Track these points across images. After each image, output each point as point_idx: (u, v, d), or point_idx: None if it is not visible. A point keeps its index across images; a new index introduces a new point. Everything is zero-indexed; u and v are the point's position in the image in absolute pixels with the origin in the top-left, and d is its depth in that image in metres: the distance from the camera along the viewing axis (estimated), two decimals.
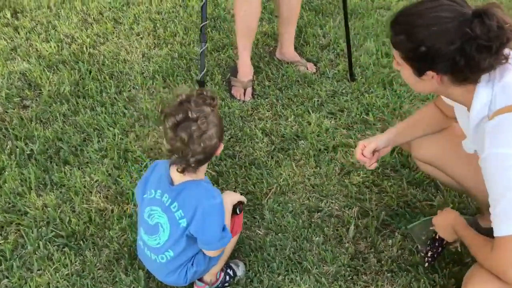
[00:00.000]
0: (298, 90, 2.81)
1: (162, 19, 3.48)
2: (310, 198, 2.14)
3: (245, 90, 2.80)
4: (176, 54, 3.10)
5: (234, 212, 1.71)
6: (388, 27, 1.45)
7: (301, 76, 2.91)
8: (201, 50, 2.44)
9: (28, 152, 2.35)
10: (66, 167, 2.29)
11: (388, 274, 1.82)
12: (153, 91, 2.80)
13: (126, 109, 2.65)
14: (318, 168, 2.30)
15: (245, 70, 2.87)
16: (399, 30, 1.41)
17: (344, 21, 2.78)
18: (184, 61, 3.04)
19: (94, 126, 2.53)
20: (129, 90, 2.80)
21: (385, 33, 3.30)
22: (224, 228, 1.61)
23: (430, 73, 1.38)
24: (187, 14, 3.52)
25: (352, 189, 2.18)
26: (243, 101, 2.75)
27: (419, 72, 1.41)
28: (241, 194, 1.99)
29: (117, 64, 3.00)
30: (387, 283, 1.80)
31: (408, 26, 1.39)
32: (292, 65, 3.01)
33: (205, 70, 2.45)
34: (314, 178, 2.24)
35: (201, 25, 2.44)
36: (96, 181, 2.22)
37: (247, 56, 2.87)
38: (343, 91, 2.81)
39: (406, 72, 1.46)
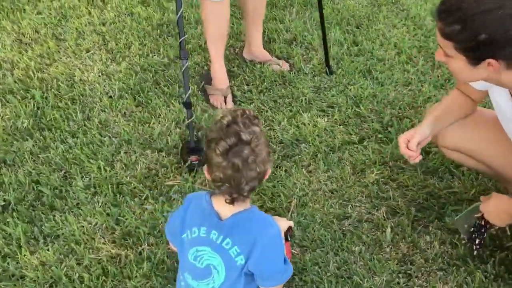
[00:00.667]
0: (281, 90, 2.68)
1: (109, 30, 3.17)
2: (333, 205, 2.03)
3: (225, 97, 2.62)
4: (138, 67, 2.83)
5: (285, 239, 1.55)
6: (435, 18, 1.35)
7: (278, 76, 2.78)
8: (183, 68, 2.22)
9: (2, 204, 2.01)
10: (54, 213, 1.98)
11: (440, 273, 1.77)
12: (125, 112, 2.52)
13: (102, 136, 2.36)
14: (330, 171, 2.20)
15: (221, 77, 2.69)
16: (452, 20, 1.32)
17: (320, 12, 2.68)
18: (150, 74, 2.78)
19: (71, 161, 2.22)
20: (99, 114, 2.50)
21: (345, 21, 3.26)
22: (285, 260, 1.45)
23: (488, 61, 1.32)
24: (136, 22, 3.24)
25: (372, 188, 2.10)
26: (228, 109, 2.56)
27: (477, 61, 1.34)
28: None
29: (76, 87, 2.68)
30: (441, 282, 1.74)
31: (463, 14, 1.30)
32: (265, 64, 2.86)
33: (190, 90, 2.23)
34: (331, 183, 2.14)
35: (179, 40, 2.21)
36: (95, 225, 1.94)
37: (221, 62, 2.69)
38: (326, 85, 2.72)
39: (457, 63, 1.39)
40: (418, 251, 1.84)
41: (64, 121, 2.43)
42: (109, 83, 2.71)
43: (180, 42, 2.22)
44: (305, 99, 2.61)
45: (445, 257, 1.81)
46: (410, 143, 1.68)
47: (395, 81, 2.75)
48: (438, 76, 2.76)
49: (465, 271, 1.76)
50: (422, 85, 2.72)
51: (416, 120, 2.42)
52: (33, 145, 2.30)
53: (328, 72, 2.81)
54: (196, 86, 2.70)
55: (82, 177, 2.14)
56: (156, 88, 2.68)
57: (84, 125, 2.42)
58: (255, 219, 1.41)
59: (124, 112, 2.52)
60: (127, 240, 1.88)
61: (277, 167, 2.22)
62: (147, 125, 2.43)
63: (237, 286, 1.43)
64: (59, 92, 2.63)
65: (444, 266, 1.79)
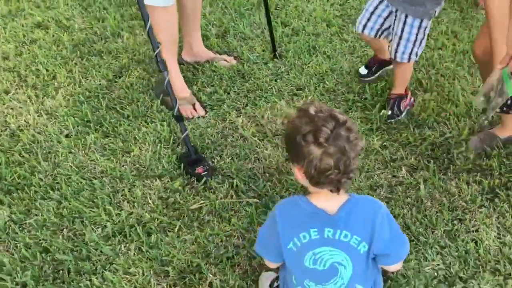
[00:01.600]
0: (244, 84, 2.62)
1: (19, 64, 2.76)
2: (360, 180, 2.08)
3: (193, 105, 2.47)
4: (79, 96, 2.52)
5: None
6: None
7: (233, 71, 2.71)
8: (166, 81, 2.04)
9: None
10: (87, 277, 1.71)
11: (482, 209, 1.93)
12: (95, 148, 2.24)
13: (87, 179, 2.07)
14: None
15: (181, 85, 2.53)
16: None
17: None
18: (96, 100, 2.50)
19: (69, 216, 1.92)
20: (67, 158, 2.18)
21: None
22: None
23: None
24: (44, 48, 2.89)
25: (384, 153, 2.19)
26: (202, 117, 2.43)
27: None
28: None
29: (20, 135, 2.29)
30: (487, 217, 1.90)
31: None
32: (212, 62, 2.77)
33: (177, 104, 2.07)
34: None
35: (155, 53, 2.01)
36: (143, 274, 1.72)
37: (177, 70, 2.52)
38: (283, 70, 2.73)
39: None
40: (455, 196, 1.98)
41: (32, 176, 2.07)
42: (58, 121, 2.37)
43: (155, 55, 2.02)
44: (274, 87, 2.58)
45: (478, 194, 1.98)
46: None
47: (341, 52, 2.86)
48: None
49: (500, 200, 1.95)
50: (365, 49, 2.87)
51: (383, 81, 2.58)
52: (10, 213, 1.92)
53: (278, 56, 2.81)
54: (150, 100, 2.48)
55: (93, 229, 1.86)
56: (113, 113, 2.41)
57: (59, 174, 2.09)
58: (363, 203, 1.39)
59: (95, 148, 2.23)
60: (187, 277, 1.71)
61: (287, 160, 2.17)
62: (130, 154, 2.19)
63: (366, 274, 1.40)
64: (3, 145, 2.22)
65: (482, 202, 1.95)
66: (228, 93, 2.55)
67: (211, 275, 1.70)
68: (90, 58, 2.81)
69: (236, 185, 2.02)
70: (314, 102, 1.37)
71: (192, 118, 2.40)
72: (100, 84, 2.61)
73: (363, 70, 2.55)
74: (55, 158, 2.16)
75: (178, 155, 2.16)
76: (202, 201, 1.96)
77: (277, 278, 1.64)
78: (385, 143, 2.25)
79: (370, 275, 1.40)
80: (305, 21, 3.14)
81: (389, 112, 2.36)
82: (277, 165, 2.13)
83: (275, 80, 2.64)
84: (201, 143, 2.22)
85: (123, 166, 2.12)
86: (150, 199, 1.97)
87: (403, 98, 2.39)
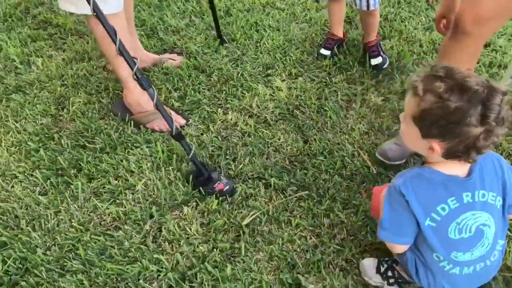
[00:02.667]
0: (210, 79, 2.39)
1: None
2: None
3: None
4: (25, 143, 2.06)
5: None
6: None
7: (188, 68, 2.45)
8: (154, 100, 1.72)
9: None
10: None
11: None
12: (91, 194, 1.85)
13: (99, 235, 1.71)
14: (349, 116, 2.15)
15: (148, 98, 2.20)
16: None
17: None
18: (52, 142, 2.07)
19: (114, 276, 1.56)
20: (61, 223, 1.77)
21: None
22: None
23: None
24: None
25: (390, 106, 2.16)
26: (186, 125, 2.15)
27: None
28: None
29: None
30: None
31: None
32: (159, 65, 2.47)
33: (173, 121, 1.77)
34: (362, 125, 2.10)
35: (134, 71, 1.68)
36: None
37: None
38: (240, 52, 2.55)
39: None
40: None
41: (32, 255, 1.64)
42: (20, 180, 1.91)
43: (134, 73, 1.69)
44: (242, 73, 2.39)
45: None
46: (446, 23, 1.71)
47: (285, 21, 2.76)
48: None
49: None
50: (306, 13, 2.80)
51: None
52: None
53: (226, 41, 2.61)
54: (117, 124, 2.13)
55: (150, 283, 1.54)
56: (84, 151, 2.02)
57: (65, 240, 1.68)
58: (486, 158, 1.33)
59: (87, 197, 1.84)
60: None
61: (306, 142, 2.03)
62: (135, 190, 1.85)
63: (503, 227, 1.37)
64: None
65: None
66: (199, 92, 2.29)
67: (312, 286, 1.51)
68: (10, 97, 2.30)
69: (274, 184, 1.82)
70: (453, 68, 1.18)
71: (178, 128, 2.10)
72: (43, 123, 2.15)
73: (325, 52, 2.46)
74: (46, 224, 1.73)
75: (186, 176, 1.86)
76: (251, 213, 1.73)
77: (380, 263, 1.52)
78: (383, 97, 2.21)
79: (505, 227, 1.36)
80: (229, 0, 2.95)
81: (380, 59, 2.35)
82: (299, 149, 1.97)
83: (239, 66, 2.43)
84: (206, 154, 1.95)
85: (135, 205, 1.78)
86: (191, 230, 1.68)
87: (380, 42, 2.38)
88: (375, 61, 2.34)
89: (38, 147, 2.02)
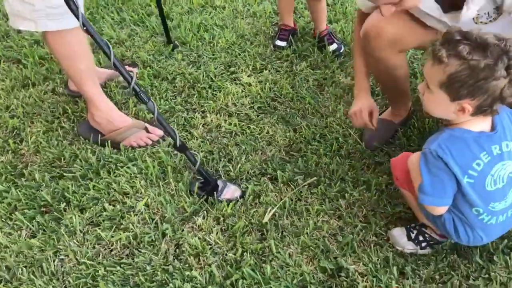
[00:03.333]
0: (176, 85, 2.30)
1: None
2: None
3: (146, 129, 2.07)
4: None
5: None
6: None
7: (147, 78, 2.34)
8: (155, 114, 1.61)
9: None
10: None
11: None
12: (90, 224, 1.70)
13: (125, 264, 1.57)
14: (340, 98, 2.18)
15: (120, 113, 2.08)
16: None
17: None
18: (22, 179, 1.87)
19: None
20: (66, 263, 1.61)
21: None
22: None
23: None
24: None
25: None
26: (165, 137, 2.05)
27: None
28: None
29: None
30: None
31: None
32: (114, 81, 2.34)
33: (176, 133, 1.67)
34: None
35: (131, 85, 1.56)
36: None
37: (105, 98, 2.05)
38: (196, 55, 2.48)
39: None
40: None
41: None
42: (0, 226, 1.69)
43: (133, 87, 1.57)
44: (206, 75, 2.33)
45: None
46: (373, 119, 1.73)
47: (230, 18, 2.73)
48: None
49: None
50: (248, 8, 2.80)
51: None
52: None
53: (178, 45, 2.53)
54: (91, 147, 1.98)
55: None
56: (64, 181, 1.84)
57: (78, 278, 1.52)
58: (501, 112, 1.39)
59: (86, 229, 1.68)
60: (334, 283, 1.49)
61: (295, 131, 2.03)
62: (136, 211, 1.72)
63: None
64: None
65: None
66: (168, 100, 2.19)
67: (353, 266, 1.51)
68: None
69: (280, 177, 1.79)
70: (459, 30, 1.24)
71: (157, 142, 1.99)
72: (3, 161, 1.92)
73: (280, 43, 2.47)
74: (48, 268, 1.55)
75: (190, 186, 1.78)
76: (268, 210, 1.69)
77: (409, 230, 1.56)
78: (351, 77, 2.28)
79: None
80: (172, 3, 2.85)
81: (335, 46, 2.40)
82: (291, 139, 1.96)
83: (200, 67, 2.36)
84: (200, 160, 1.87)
85: (143, 227, 1.66)
86: (213, 239, 1.60)
87: (330, 31, 2.45)
88: (332, 47, 2.39)
89: (7, 187, 1.80)
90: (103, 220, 1.67)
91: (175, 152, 1.89)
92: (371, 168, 1.82)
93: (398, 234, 1.56)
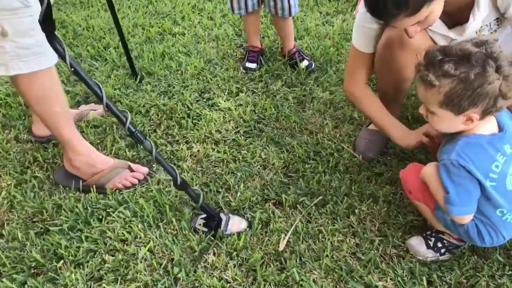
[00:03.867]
0: (151, 118, 2.19)
1: None
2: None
3: (129, 168, 1.95)
4: None
5: None
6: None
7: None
8: (154, 153, 1.50)
9: None
10: None
11: None
12: (92, 279, 1.55)
13: None
14: (312, 116, 2.16)
15: (100, 155, 1.95)
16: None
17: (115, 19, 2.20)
18: (1, 241, 1.69)
19: None
20: None
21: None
22: None
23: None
24: None
25: (332, 97, 2.24)
26: (151, 173, 1.94)
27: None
28: None
29: None
30: None
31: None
32: (84, 119, 2.20)
33: (176, 171, 1.57)
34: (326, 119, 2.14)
35: (126, 126, 1.44)
36: None
37: (83, 141, 1.91)
38: (165, 85, 2.39)
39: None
40: None
41: None
42: None
43: (128, 128, 1.45)
44: (181, 104, 2.24)
45: None
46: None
47: (195, 45, 2.67)
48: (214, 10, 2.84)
49: None
50: (208, 32, 2.75)
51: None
52: None
53: (144, 76, 2.42)
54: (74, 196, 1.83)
55: None
56: (49, 236, 1.67)
57: None
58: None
59: (90, 284, 1.53)
60: None
61: (288, 151, 1.99)
62: (140, 256, 1.60)
63: None
64: None
65: None
66: (147, 134, 2.07)
67: (381, 283, 1.48)
68: None
69: (286, 201, 1.74)
70: (444, 46, 1.27)
71: (144, 180, 1.87)
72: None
73: (251, 65, 2.43)
74: None
75: (192, 224, 1.68)
76: (282, 237, 1.62)
77: (427, 238, 1.56)
78: (329, 91, 2.28)
79: None
80: (130, 27, 2.74)
81: (306, 62, 2.41)
82: (285, 160, 1.91)
83: (173, 97, 2.27)
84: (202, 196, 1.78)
85: (152, 274, 1.53)
86: (232, 277, 1.51)
87: (299, 48, 2.46)
88: (304, 64, 2.39)
89: None
90: (106, 273, 1.52)
91: (168, 188, 1.77)
92: (372, 180, 1.80)
93: (417, 244, 1.54)
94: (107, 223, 1.68)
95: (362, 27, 1.68)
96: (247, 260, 1.54)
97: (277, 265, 1.54)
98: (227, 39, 2.67)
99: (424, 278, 1.45)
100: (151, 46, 2.60)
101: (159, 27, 2.77)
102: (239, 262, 1.54)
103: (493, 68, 1.20)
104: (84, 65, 2.50)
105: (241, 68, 2.39)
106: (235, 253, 1.56)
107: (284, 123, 2.08)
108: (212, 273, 1.51)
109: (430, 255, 1.53)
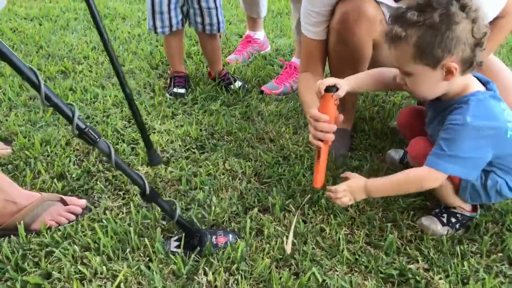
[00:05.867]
0: (77, 148, 1.82)
1: None
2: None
3: (61, 201, 1.55)
4: None
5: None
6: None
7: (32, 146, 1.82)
8: (112, 157, 1.14)
9: None
10: None
11: None
12: None
13: None
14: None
15: (24, 191, 1.53)
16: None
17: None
18: None
19: None
20: None
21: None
22: None
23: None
24: None
25: (282, 107, 2.12)
26: (91, 208, 1.56)
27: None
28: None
29: None
30: None
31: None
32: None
33: (143, 178, 1.24)
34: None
35: (74, 123, 1.12)
36: None
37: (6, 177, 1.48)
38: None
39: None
40: None
41: None
42: None
43: (77, 126, 1.12)
44: (116, 128, 1.91)
45: None
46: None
47: (107, 79, 2.38)
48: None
49: None
50: (122, 67, 2.49)
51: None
52: None
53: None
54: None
55: None
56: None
57: None
58: None
59: None
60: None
61: (255, 160, 1.75)
62: None
63: None
64: None
65: None
66: (76, 163, 1.69)
67: (413, 266, 1.28)
68: None
69: (272, 206, 1.49)
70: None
71: (82, 215, 1.48)
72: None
73: (180, 90, 2.20)
74: None
75: (167, 246, 1.34)
76: (285, 241, 1.35)
77: (439, 216, 1.43)
78: (274, 104, 2.15)
79: None
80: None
81: (239, 83, 2.28)
82: (254, 167, 1.67)
83: (96, 126, 1.93)
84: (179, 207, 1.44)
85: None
86: None
87: (227, 72, 2.31)
88: (238, 84, 2.24)
89: None
90: None
91: (122, 215, 1.40)
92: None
93: (430, 223, 1.40)
94: (50, 263, 1.23)
95: (308, 13, 1.62)
96: (251, 272, 1.22)
97: (290, 270, 1.24)
98: (143, 71, 2.42)
99: (455, 252, 1.29)
100: (54, 84, 2.22)
101: (59, 66, 2.41)
102: (244, 275, 1.21)
103: (457, 7, 1.14)
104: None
105: (168, 95, 2.14)
106: (234, 266, 1.24)
107: (239, 135, 1.86)
108: None
109: (445, 231, 1.38)
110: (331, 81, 1.36)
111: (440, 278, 1.21)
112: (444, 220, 1.40)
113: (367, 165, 1.68)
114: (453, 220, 1.40)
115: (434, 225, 1.39)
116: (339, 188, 1.31)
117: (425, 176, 1.24)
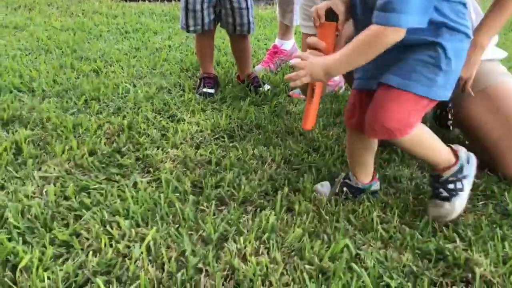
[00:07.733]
0: (107, 132, 1.84)
1: None
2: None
3: None
4: None
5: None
6: None
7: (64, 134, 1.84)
8: None
9: None
10: None
11: None
12: None
13: None
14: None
15: None
16: None
17: None
18: None
19: None
20: None
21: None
22: None
23: None
24: None
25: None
26: None
27: None
28: None
29: None
30: None
31: None
32: None
33: None
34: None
35: None
36: None
37: None
38: (110, 109, 2.07)
39: None
40: None
41: None
42: None
43: None
44: (147, 116, 1.93)
45: None
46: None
47: (137, 79, 2.42)
48: None
49: None
50: (153, 70, 2.55)
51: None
52: None
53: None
54: None
55: None
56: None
57: None
58: None
59: None
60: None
61: (281, 149, 1.75)
62: None
63: None
64: None
65: None
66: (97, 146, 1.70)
67: (450, 245, 1.24)
68: None
69: (305, 188, 1.47)
70: None
71: None
72: None
73: (210, 90, 2.22)
74: None
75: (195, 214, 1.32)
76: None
77: (437, 188, 1.34)
78: (300, 105, 2.15)
79: None
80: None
81: (268, 86, 2.29)
82: (284, 155, 1.66)
83: (125, 117, 1.95)
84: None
85: (164, 267, 1.11)
86: (271, 258, 1.16)
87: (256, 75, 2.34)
88: (267, 87, 2.26)
89: None
90: (93, 275, 1.06)
91: (152, 188, 1.39)
92: (385, 163, 1.62)
93: (435, 205, 1.33)
94: (79, 224, 1.22)
95: (304, 8, 1.61)
96: (282, 242, 1.19)
97: (322, 241, 1.21)
98: (174, 74, 2.46)
99: (494, 236, 1.24)
100: (86, 79, 2.27)
101: (92, 65, 2.47)
102: (275, 245, 1.18)
103: None
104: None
105: (197, 95, 2.16)
106: (265, 236, 1.21)
107: (268, 128, 1.86)
108: (248, 259, 1.12)
109: (460, 207, 1.31)
110: (327, 3, 1.23)
111: (480, 256, 1.16)
112: (452, 186, 1.30)
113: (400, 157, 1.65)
114: (451, 186, 1.30)
115: (449, 209, 1.30)
116: (300, 66, 1.18)
117: (382, 31, 1.10)
